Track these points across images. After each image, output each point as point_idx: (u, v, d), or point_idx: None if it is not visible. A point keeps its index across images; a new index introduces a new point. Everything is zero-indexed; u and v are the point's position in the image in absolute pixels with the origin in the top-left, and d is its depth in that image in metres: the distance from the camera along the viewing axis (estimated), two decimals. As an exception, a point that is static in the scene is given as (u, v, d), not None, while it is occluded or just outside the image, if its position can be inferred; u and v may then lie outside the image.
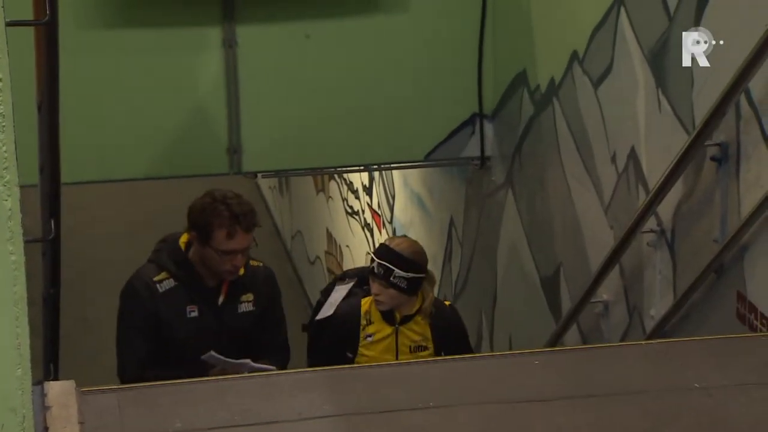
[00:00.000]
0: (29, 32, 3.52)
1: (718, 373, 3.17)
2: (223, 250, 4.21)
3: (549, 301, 5.44)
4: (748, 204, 3.73)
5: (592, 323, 5.05)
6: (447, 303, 4.82)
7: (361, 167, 7.49)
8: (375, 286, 4.48)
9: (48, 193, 4.05)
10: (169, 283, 4.32)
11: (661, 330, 4.43)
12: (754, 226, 3.71)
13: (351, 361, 4.56)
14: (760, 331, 3.76)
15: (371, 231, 9.00)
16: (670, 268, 4.43)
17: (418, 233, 7.63)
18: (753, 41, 3.45)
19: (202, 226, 4.22)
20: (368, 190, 8.98)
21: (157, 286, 4.30)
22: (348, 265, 9.62)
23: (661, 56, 4.30)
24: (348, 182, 9.43)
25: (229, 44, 5.69)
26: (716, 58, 3.94)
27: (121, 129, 5.66)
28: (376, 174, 8.46)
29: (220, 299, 4.36)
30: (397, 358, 4.54)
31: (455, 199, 7.09)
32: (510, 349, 6.22)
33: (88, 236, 10.58)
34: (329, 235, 10.20)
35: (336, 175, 9.37)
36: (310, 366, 4.57)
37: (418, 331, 4.57)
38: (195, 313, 4.33)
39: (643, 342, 4.32)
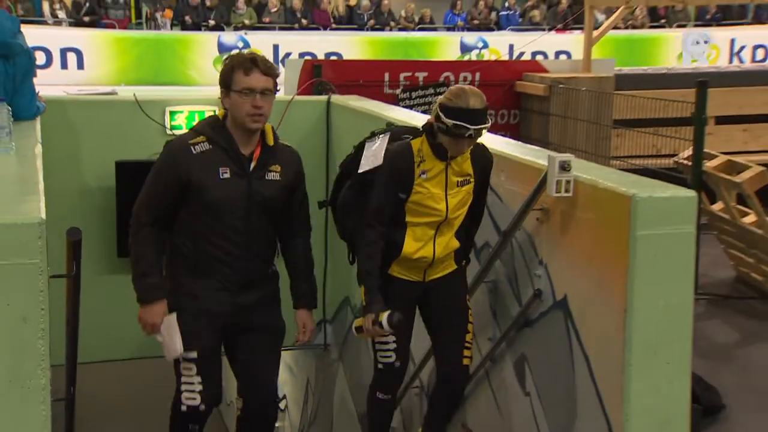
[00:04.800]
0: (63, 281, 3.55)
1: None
2: (242, 88, 3.73)
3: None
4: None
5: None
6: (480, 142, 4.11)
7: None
8: (464, 142, 3.84)
9: (69, 374, 4.11)
10: (204, 146, 3.83)
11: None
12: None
13: (403, 202, 3.94)
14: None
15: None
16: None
17: (289, 391, 7.69)
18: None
19: (225, 76, 3.81)
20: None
21: (192, 147, 3.81)
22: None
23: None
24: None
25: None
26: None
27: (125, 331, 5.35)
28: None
29: (252, 165, 3.86)
30: (446, 192, 3.96)
31: (310, 368, 7.28)
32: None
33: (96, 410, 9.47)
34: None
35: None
36: (373, 208, 3.91)
37: (462, 164, 3.98)
38: (227, 175, 3.82)
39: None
